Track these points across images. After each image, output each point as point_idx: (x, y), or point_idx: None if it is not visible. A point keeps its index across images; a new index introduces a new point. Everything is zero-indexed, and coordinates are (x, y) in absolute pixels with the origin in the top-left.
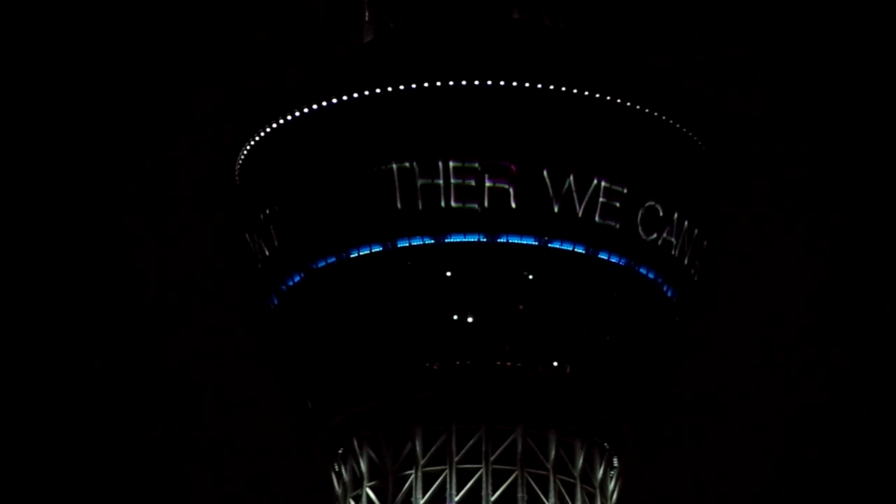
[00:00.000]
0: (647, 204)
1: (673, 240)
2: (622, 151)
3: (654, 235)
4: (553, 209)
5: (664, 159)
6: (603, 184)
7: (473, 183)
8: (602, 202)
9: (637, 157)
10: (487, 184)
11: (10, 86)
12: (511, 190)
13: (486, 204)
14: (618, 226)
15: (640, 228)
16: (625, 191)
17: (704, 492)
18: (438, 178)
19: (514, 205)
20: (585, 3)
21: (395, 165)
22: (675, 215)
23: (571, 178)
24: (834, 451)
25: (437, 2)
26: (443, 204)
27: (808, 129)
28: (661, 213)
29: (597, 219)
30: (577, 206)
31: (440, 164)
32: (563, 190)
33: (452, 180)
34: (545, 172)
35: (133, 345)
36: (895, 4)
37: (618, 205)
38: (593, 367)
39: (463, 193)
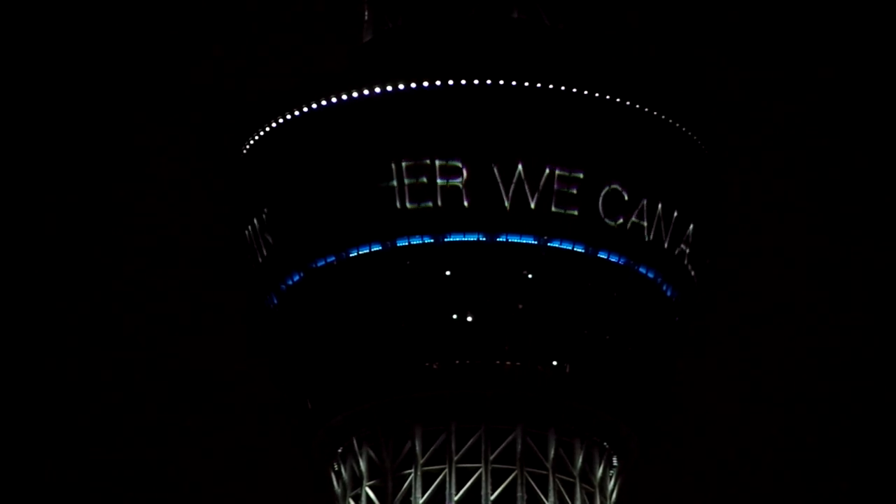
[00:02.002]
0: (608, 188)
1: (644, 223)
2: (577, 138)
3: (621, 220)
4: (504, 204)
5: (627, 144)
6: (557, 172)
7: (458, 181)
8: (557, 190)
9: (596, 143)
10: (439, 181)
11: (9, 88)
12: (463, 189)
13: (438, 202)
14: (577, 213)
15: (602, 214)
16: (581, 176)
17: (704, 492)
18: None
19: (466, 203)
20: (585, 3)
21: (392, 165)
22: (645, 199)
23: (520, 167)
24: (834, 450)
25: (437, 2)
26: (398, 205)
27: (807, 128)
28: (626, 198)
29: (553, 208)
30: (530, 198)
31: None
32: (514, 182)
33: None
34: (494, 167)
35: (132, 345)
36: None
37: (574, 191)
38: (593, 366)
39: (417, 193)
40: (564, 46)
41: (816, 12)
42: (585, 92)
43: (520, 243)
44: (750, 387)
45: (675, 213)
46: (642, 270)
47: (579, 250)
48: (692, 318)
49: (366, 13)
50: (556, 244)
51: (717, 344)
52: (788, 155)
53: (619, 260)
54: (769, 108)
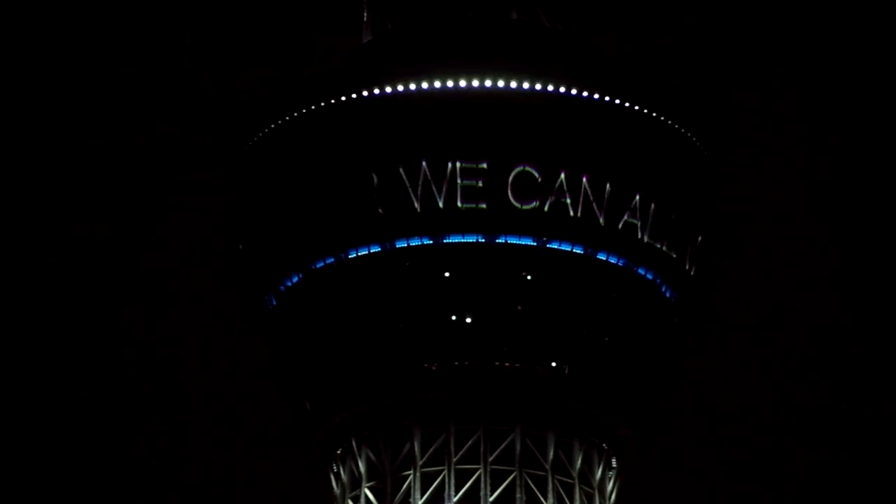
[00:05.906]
0: (517, 171)
1: (567, 200)
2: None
3: (536, 202)
4: (414, 207)
5: (539, 123)
6: (458, 165)
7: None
8: (461, 185)
9: (502, 130)
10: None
11: (8, 88)
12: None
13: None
14: (485, 205)
15: (512, 199)
16: (484, 166)
17: (704, 492)
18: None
19: (380, 210)
20: (585, 3)
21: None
22: (563, 175)
23: (424, 165)
24: (834, 451)
25: (436, 2)
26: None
27: (807, 129)
28: (539, 179)
29: (459, 204)
30: (438, 198)
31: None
32: (420, 183)
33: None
34: (400, 169)
35: (133, 345)
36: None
37: (479, 183)
38: (592, 367)
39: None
40: (562, 47)
41: (818, 11)
42: (525, 86)
43: (519, 244)
44: (750, 386)
45: (609, 186)
46: (641, 272)
47: (578, 251)
48: (690, 319)
49: (364, 14)
50: (555, 245)
51: (717, 343)
52: (789, 154)
53: (617, 261)
54: (766, 109)
